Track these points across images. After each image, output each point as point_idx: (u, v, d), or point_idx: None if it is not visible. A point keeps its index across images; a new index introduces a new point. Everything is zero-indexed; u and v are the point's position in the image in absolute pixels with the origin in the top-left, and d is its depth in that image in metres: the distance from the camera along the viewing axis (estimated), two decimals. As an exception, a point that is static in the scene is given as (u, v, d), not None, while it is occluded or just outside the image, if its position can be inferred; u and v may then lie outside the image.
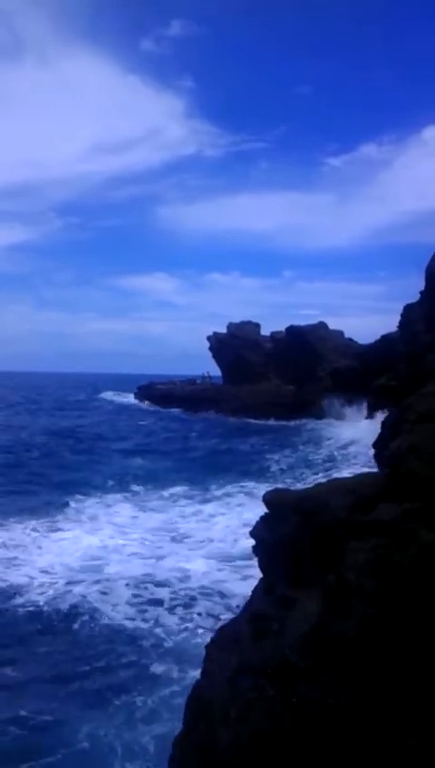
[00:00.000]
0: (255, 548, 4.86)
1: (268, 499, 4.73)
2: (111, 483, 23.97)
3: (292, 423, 44.65)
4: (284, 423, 45.49)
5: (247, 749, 3.73)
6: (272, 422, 46.88)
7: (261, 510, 4.76)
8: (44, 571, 13.70)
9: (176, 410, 59.17)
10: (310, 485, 4.94)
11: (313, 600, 3.79)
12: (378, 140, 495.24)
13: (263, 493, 4.93)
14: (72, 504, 20.35)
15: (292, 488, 5.97)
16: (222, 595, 12.30)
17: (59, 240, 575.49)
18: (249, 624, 4.32)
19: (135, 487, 23.35)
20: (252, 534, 4.87)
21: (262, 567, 4.72)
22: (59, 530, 17.36)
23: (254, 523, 4.84)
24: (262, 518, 4.73)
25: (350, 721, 3.36)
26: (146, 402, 67.14)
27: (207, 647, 4.78)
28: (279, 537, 4.37)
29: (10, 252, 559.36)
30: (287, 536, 4.25)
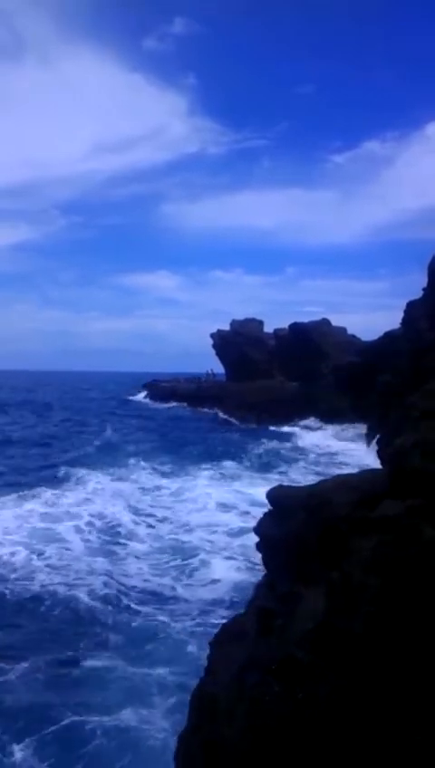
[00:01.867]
0: (258, 544, 4.87)
1: (273, 496, 4.73)
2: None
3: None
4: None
5: (253, 745, 3.74)
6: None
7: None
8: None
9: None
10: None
11: (317, 597, 3.80)
12: (381, 137, 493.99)
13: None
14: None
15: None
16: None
17: (62, 239, 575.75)
18: (254, 620, 4.34)
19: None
20: (256, 531, 4.87)
21: (266, 563, 4.73)
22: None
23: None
24: (266, 514, 4.73)
25: (355, 717, 3.37)
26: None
27: (212, 643, 4.79)
28: (284, 533, 4.38)
29: (13, 251, 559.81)
30: (292, 533, 4.26)
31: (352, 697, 3.39)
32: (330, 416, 43.74)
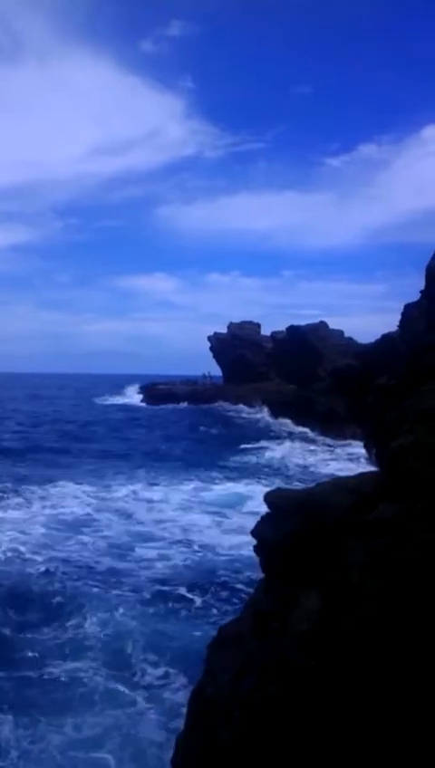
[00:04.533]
0: (256, 547, 4.87)
1: (270, 499, 4.73)
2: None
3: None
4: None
5: (249, 748, 3.75)
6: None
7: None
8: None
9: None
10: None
11: (314, 599, 3.81)
12: (377, 140, 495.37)
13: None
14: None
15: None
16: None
17: (59, 241, 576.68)
18: (251, 623, 4.34)
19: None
20: (253, 534, 4.87)
21: (264, 566, 4.73)
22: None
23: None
24: (264, 517, 4.73)
25: (352, 719, 3.38)
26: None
27: (209, 646, 4.79)
28: (281, 536, 4.38)
29: (10, 252, 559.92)
30: (289, 535, 4.27)
31: (348, 699, 3.40)
32: (327, 421, 43.69)
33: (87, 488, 21.29)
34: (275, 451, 32.12)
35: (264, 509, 4.83)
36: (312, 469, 27.09)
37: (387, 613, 3.38)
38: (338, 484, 4.45)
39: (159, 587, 12.11)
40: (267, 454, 31.07)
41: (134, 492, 21.11)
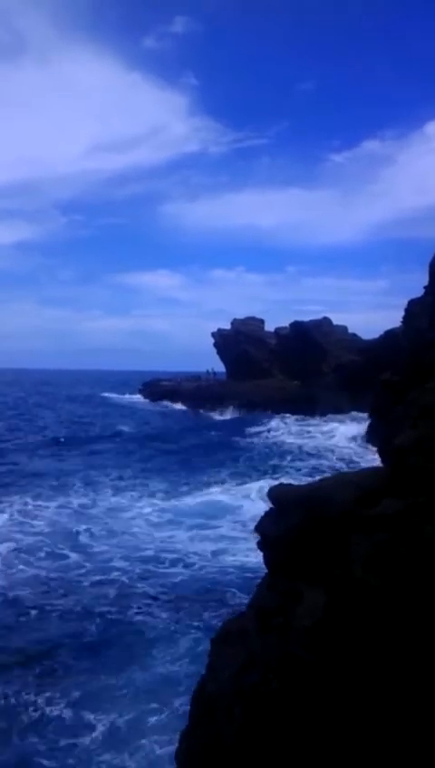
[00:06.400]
0: (260, 543, 4.87)
1: (274, 494, 4.72)
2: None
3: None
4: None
5: (252, 744, 3.75)
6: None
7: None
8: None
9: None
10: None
11: (318, 595, 3.80)
12: (380, 136, 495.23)
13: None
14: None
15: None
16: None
17: (63, 237, 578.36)
18: (255, 619, 4.34)
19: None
20: (257, 529, 4.87)
21: (267, 562, 4.72)
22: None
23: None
24: (267, 513, 4.72)
25: (355, 715, 3.37)
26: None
27: (212, 642, 4.78)
28: (285, 532, 4.37)
29: (14, 249, 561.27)
30: (293, 530, 4.25)
31: (351, 694, 3.39)
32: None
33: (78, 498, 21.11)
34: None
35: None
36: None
37: (390, 608, 3.37)
38: (342, 479, 4.43)
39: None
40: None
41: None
